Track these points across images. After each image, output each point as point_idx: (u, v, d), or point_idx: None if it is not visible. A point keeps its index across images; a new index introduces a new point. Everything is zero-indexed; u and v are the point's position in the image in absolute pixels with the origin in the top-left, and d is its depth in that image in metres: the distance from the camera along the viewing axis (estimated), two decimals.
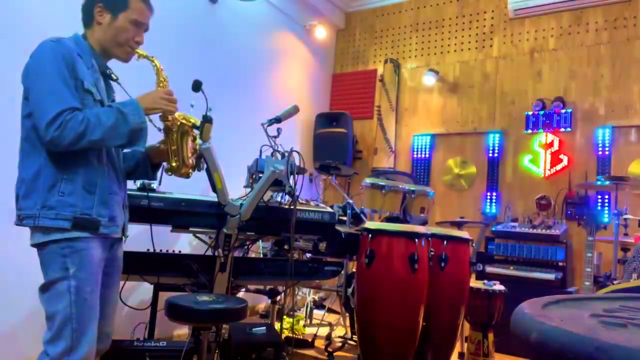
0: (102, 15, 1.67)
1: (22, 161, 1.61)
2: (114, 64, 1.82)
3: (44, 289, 1.56)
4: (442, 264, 2.82)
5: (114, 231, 1.70)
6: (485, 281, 3.15)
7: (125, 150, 1.87)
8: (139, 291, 3.23)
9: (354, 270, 2.82)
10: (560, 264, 3.62)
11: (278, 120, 2.67)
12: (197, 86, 2.00)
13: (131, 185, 2.24)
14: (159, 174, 2.02)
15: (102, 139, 1.56)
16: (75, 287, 1.54)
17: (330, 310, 4.39)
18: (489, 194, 4.60)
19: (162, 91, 1.75)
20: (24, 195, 1.56)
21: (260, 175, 2.47)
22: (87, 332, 1.56)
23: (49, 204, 1.54)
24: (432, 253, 2.75)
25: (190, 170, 1.91)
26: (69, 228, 1.55)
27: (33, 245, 1.58)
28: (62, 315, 1.52)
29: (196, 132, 1.91)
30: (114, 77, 1.81)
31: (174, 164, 1.85)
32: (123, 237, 1.82)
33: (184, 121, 1.84)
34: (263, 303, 4.51)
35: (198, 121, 1.90)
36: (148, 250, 2.35)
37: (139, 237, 2.39)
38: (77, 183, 1.59)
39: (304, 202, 2.72)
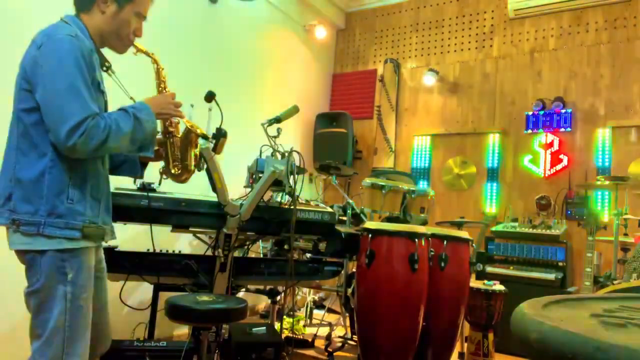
0: (106, 4, 1.57)
1: (17, 159, 1.47)
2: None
3: (34, 293, 1.45)
4: (442, 264, 2.82)
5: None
6: (485, 281, 3.16)
7: None
8: (139, 291, 3.23)
9: (354, 270, 2.82)
10: (560, 264, 3.62)
11: (278, 120, 2.66)
12: (210, 97, 2.02)
13: (131, 185, 2.24)
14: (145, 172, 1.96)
15: (119, 147, 1.51)
16: (71, 294, 1.46)
17: (330, 310, 4.39)
18: (488, 194, 4.60)
19: (169, 96, 1.70)
20: (22, 198, 1.44)
21: (260, 175, 2.47)
22: (80, 340, 1.49)
23: (57, 211, 1.45)
24: (432, 253, 2.75)
25: (190, 177, 1.89)
26: (79, 238, 1.48)
27: (23, 251, 1.46)
28: (54, 322, 1.44)
29: (202, 141, 1.90)
30: (111, 73, 1.71)
31: (174, 171, 1.82)
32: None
33: (191, 129, 1.81)
34: (263, 303, 4.51)
35: (203, 130, 1.88)
36: (148, 250, 2.35)
37: (139, 237, 2.39)
38: (85, 189, 1.52)
39: (304, 202, 2.72)
